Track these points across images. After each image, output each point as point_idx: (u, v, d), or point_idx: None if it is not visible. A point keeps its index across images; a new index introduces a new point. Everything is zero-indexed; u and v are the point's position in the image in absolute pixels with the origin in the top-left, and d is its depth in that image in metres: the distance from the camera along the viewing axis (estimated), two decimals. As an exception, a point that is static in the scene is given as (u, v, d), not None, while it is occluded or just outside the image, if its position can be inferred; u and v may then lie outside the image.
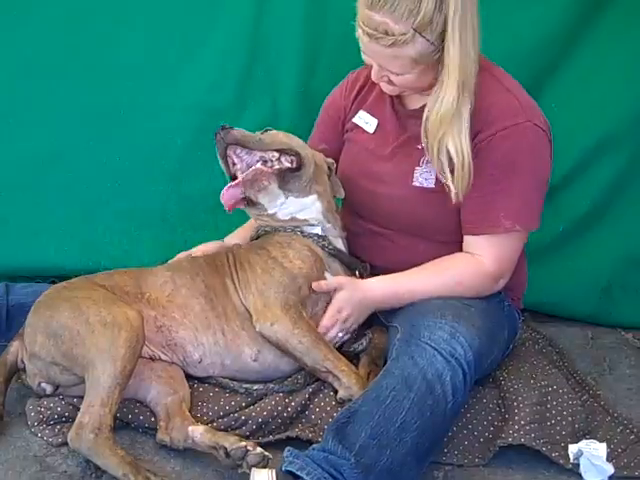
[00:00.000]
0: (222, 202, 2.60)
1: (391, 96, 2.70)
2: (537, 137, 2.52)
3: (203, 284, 2.60)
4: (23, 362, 2.49)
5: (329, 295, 2.60)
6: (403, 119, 2.69)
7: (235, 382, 2.53)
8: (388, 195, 2.66)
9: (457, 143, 2.43)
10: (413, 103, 2.68)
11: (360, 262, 2.73)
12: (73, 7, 3.23)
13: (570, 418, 2.45)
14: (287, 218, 2.69)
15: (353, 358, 2.62)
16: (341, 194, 2.80)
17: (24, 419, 2.44)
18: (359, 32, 2.43)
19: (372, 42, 2.39)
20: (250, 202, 2.65)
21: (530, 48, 3.19)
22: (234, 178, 2.63)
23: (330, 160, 2.80)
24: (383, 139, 2.72)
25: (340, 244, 2.73)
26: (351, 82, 2.88)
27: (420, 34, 2.34)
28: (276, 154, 2.64)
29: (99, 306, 2.39)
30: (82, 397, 2.30)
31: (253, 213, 2.74)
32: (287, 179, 2.62)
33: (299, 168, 2.64)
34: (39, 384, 2.46)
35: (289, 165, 2.64)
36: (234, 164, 2.64)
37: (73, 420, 2.28)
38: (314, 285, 2.57)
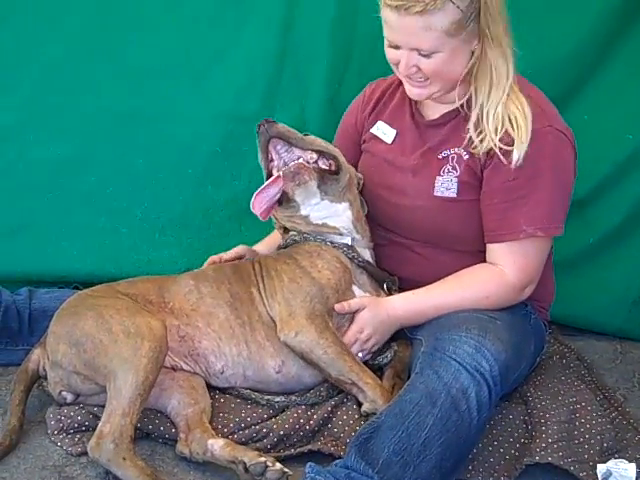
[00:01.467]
0: (254, 205, 2.59)
1: (410, 106, 2.70)
2: (559, 141, 2.49)
3: (228, 293, 2.58)
4: (45, 370, 2.47)
5: None
6: (422, 129, 2.68)
7: (257, 393, 2.50)
8: (410, 207, 2.64)
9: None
10: (432, 113, 2.66)
11: (389, 275, 2.70)
12: (100, 12, 3.23)
13: (599, 437, 2.41)
14: (319, 222, 2.66)
15: (377, 371, 2.59)
16: (364, 210, 2.77)
17: (44, 427, 2.43)
18: (386, 13, 2.42)
19: (402, 15, 2.37)
20: (285, 199, 2.61)
21: (562, 59, 3.17)
22: (269, 176, 2.61)
23: (360, 175, 2.78)
24: (402, 149, 2.70)
25: (368, 255, 2.70)
26: (368, 94, 2.87)
27: (450, 0, 2.34)
28: (315, 155, 2.63)
29: (122, 315, 2.38)
30: (103, 406, 2.29)
31: (284, 215, 2.70)
32: (325, 180, 2.61)
33: (337, 172, 2.64)
34: (60, 392, 2.44)
35: (327, 167, 2.63)
36: (272, 160, 2.63)
37: (93, 429, 2.27)
38: (337, 307, 2.54)
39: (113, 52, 3.26)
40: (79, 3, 3.23)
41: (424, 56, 2.44)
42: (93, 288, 2.65)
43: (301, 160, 2.58)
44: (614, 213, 3.26)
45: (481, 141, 2.49)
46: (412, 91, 2.58)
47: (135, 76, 3.28)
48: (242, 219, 3.35)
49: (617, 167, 3.22)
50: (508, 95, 2.48)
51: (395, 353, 2.61)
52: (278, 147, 2.60)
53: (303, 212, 2.65)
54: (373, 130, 2.79)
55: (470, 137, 2.51)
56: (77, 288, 3.22)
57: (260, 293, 2.58)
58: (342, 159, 2.70)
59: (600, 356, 3.13)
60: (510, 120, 2.47)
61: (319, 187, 2.61)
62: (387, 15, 2.42)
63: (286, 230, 2.76)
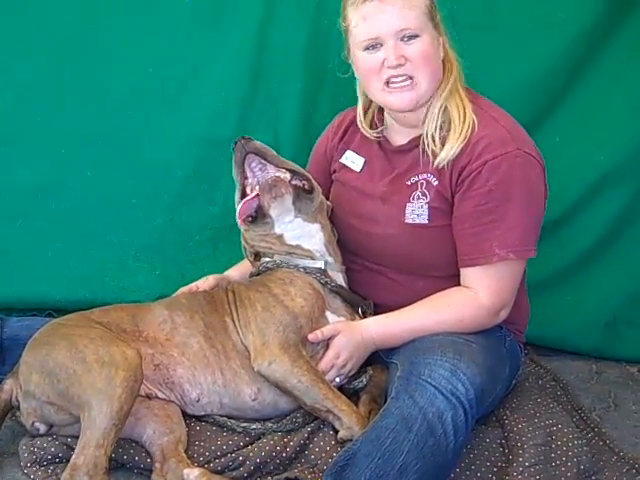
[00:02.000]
0: (238, 217, 2.62)
1: (377, 135, 2.70)
2: (528, 165, 2.49)
3: (202, 322, 2.56)
4: (17, 400, 2.43)
5: None
6: (390, 156, 2.69)
7: (233, 421, 2.48)
8: (381, 235, 2.64)
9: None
10: (400, 138, 2.68)
11: (362, 299, 2.69)
12: (73, 35, 3.23)
13: (575, 459, 2.40)
14: (293, 243, 2.65)
15: (353, 395, 2.58)
16: (335, 235, 2.77)
17: (17, 459, 2.39)
18: (363, 8, 2.50)
19: (382, 2, 2.45)
20: (260, 214, 2.60)
21: (534, 83, 3.20)
22: (243, 194, 2.63)
23: (329, 203, 2.79)
24: (370, 177, 2.71)
25: (341, 279, 2.69)
26: (337, 124, 2.89)
27: None
28: (288, 175, 2.63)
29: (96, 345, 2.35)
30: (76, 437, 2.26)
31: (258, 234, 2.68)
32: (300, 198, 2.61)
33: (311, 191, 2.65)
34: (33, 423, 2.41)
35: (302, 185, 2.64)
36: (246, 178, 2.63)
37: (67, 460, 2.24)
38: (311, 338, 2.52)
39: (86, 76, 3.25)
40: (50, 25, 3.22)
41: (409, 39, 2.48)
42: (66, 317, 2.62)
43: (275, 174, 2.60)
44: (587, 234, 3.29)
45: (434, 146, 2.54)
46: (395, 99, 2.55)
47: (108, 100, 3.27)
48: (216, 244, 3.36)
49: (590, 188, 3.26)
50: (452, 95, 2.54)
51: (371, 377, 2.60)
52: (253, 164, 2.60)
53: (277, 230, 2.64)
54: (342, 160, 2.81)
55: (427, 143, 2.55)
56: (50, 315, 3.21)
57: (234, 322, 2.56)
58: (314, 182, 2.70)
59: (576, 376, 3.14)
60: (450, 121, 2.52)
61: (294, 203, 2.60)
62: (365, 10, 2.48)
63: (257, 257, 2.74)
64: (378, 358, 2.65)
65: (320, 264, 2.64)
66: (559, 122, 3.24)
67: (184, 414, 2.49)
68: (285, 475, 2.31)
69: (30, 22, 3.22)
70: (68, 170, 3.29)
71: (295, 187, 2.61)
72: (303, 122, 3.32)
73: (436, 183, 2.55)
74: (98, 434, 2.20)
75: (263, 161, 2.61)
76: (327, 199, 2.81)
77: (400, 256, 2.62)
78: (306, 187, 2.65)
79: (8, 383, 2.46)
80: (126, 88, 3.27)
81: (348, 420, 2.39)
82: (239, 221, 2.63)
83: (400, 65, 2.49)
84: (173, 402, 2.48)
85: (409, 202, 2.58)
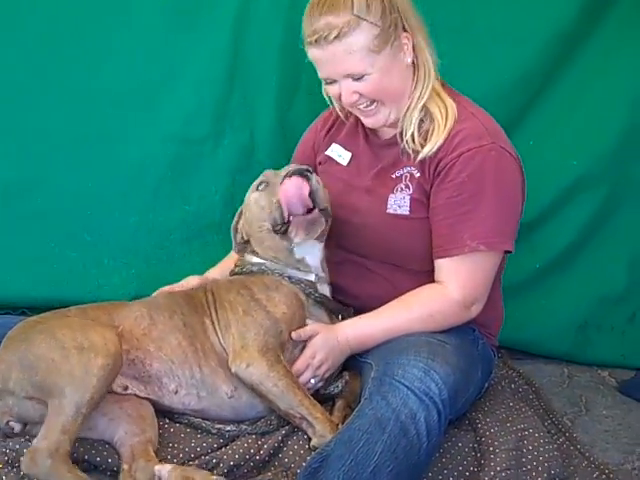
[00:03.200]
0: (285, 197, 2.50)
1: (364, 128, 2.71)
2: (502, 158, 2.51)
3: (181, 322, 2.54)
4: None
5: None
6: (376, 150, 2.70)
7: (208, 422, 2.46)
8: (363, 224, 2.64)
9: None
10: (386, 132, 2.69)
11: (343, 307, 2.69)
12: (48, 34, 3.20)
13: (546, 464, 2.39)
14: (299, 257, 2.62)
15: (327, 401, 2.57)
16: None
17: (-11, 461, 2.34)
18: (311, 52, 2.51)
19: (324, 47, 2.45)
20: (283, 230, 2.54)
21: (507, 86, 3.22)
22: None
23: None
24: (358, 171, 2.73)
25: (326, 290, 2.68)
26: (324, 118, 2.91)
27: (362, 18, 2.42)
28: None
29: (74, 331, 2.31)
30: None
31: (271, 240, 2.62)
32: (323, 223, 2.57)
33: (328, 220, 2.61)
34: (7, 422, 2.36)
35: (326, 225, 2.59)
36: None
37: (40, 462, 2.21)
38: (294, 335, 2.51)
39: (60, 76, 3.23)
40: (24, 25, 3.19)
41: (358, 80, 2.49)
42: (42, 315, 2.58)
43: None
44: (560, 238, 3.32)
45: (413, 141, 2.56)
46: (367, 121, 2.62)
47: (83, 98, 3.25)
48: (192, 243, 3.36)
49: (562, 193, 3.28)
50: (431, 94, 2.56)
51: (346, 383, 2.60)
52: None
53: (292, 246, 2.60)
54: (328, 152, 2.82)
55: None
56: (24, 314, 3.19)
57: (213, 324, 2.55)
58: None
59: (548, 380, 3.17)
60: (432, 118, 2.54)
61: (322, 226, 2.56)
62: (312, 53, 2.50)
63: (243, 246, 2.72)
64: (353, 360, 2.64)
65: (312, 277, 2.63)
66: (533, 126, 3.26)
67: (159, 414, 2.45)
68: (259, 478, 2.30)
69: (3, 23, 3.19)
70: (42, 168, 3.27)
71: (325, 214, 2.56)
72: (279, 121, 3.32)
73: (418, 175, 2.57)
74: (64, 420, 2.17)
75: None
76: None
77: (380, 246, 2.63)
78: (329, 224, 2.61)
79: None
80: (101, 87, 3.24)
81: (321, 428, 2.37)
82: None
83: (356, 100, 2.54)
84: (148, 399, 2.45)
85: (392, 193, 2.60)
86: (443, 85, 2.62)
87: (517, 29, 3.17)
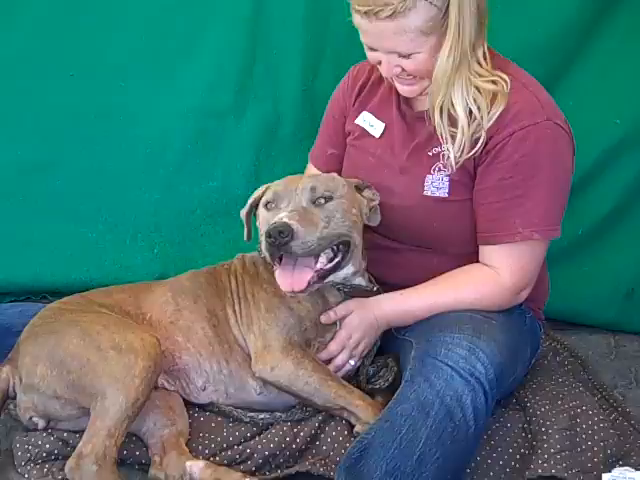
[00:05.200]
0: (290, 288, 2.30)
1: (397, 96, 2.54)
2: (558, 137, 2.35)
3: (205, 308, 2.45)
4: (14, 392, 2.30)
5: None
6: (411, 122, 2.52)
7: (240, 410, 2.38)
8: (398, 206, 2.49)
9: (459, 103, 2.30)
10: (421, 104, 2.51)
11: (374, 291, 2.51)
12: (64, 8, 3.10)
13: (602, 443, 2.30)
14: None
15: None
16: (376, 222, 2.53)
17: (11, 457, 2.26)
18: (357, 19, 2.29)
19: (373, 21, 2.24)
20: None
21: (545, 43, 3.07)
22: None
23: (373, 199, 2.51)
24: (390, 145, 2.55)
25: (359, 280, 2.50)
26: (352, 79, 2.71)
27: None
28: (325, 260, 2.34)
29: (111, 331, 2.23)
30: (74, 432, 2.19)
31: None
32: (329, 274, 2.37)
33: (343, 259, 2.39)
34: (30, 418, 2.28)
35: (336, 264, 2.37)
36: None
37: (63, 458, 2.14)
38: (323, 318, 2.40)
39: (78, 49, 3.13)
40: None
41: (404, 57, 2.30)
42: (65, 299, 2.51)
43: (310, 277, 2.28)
44: (603, 202, 3.19)
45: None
46: (403, 89, 2.44)
47: (101, 74, 3.16)
48: (217, 220, 3.28)
49: (605, 154, 3.15)
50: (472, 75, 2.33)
51: (396, 374, 2.45)
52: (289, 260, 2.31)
53: None
54: (358, 121, 2.63)
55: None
56: (45, 298, 3.15)
57: (236, 316, 2.45)
58: (354, 231, 2.39)
59: (594, 352, 3.06)
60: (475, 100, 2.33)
61: (320, 282, 2.37)
62: (358, 21, 2.30)
63: None
64: (390, 336, 2.51)
65: (340, 278, 2.44)
66: (572, 86, 3.11)
67: (187, 403, 2.38)
68: (296, 469, 2.22)
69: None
70: (60, 147, 3.19)
71: (328, 271, 2.34)
72: (304, 90, 3.20)
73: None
74: (110, 424, 2.09)
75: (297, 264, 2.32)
76: (341, 166, 2.66)
77: (416, 230, 2.49)
78: (341, 260, 2.38)
79: (4, 371, 2.31)
80: (118, 60, 3.15)
81: (364, 415, 2.27)
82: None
83: (397, 73, 2.36)
84: (177, 392, 2.38)
85: (429, 174, 2.43)
86: (493, 55, 2.40)
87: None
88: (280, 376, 2.31)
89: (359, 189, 2.49)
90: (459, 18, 2.23)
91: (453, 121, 2.34)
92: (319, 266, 2.30)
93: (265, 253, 2.27)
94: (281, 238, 2.18)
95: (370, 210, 2.49)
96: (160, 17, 3.13)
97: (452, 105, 2.32)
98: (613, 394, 2.64)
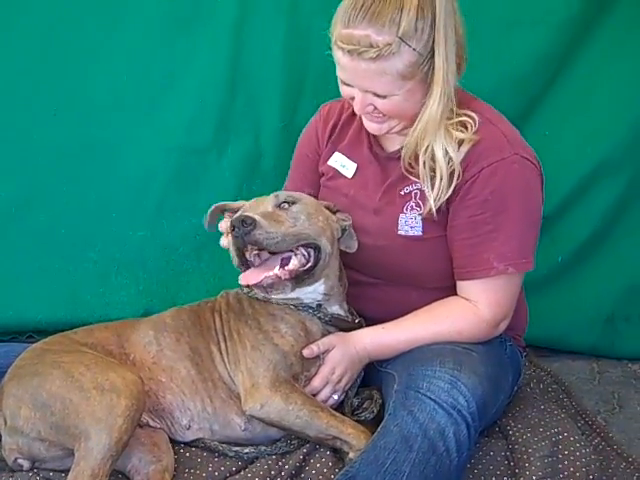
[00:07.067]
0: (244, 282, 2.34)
1: (368, 138, 2.57)
2: (526, 170, 2.37)
3: (188, 346, 2.46)
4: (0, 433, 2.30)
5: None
6: (384, 162, 2.54)
7: (224, 445, 2.37)
8: (373, 246, 2.50)
9: (439, 147, 2.32)
10: (391, 144, 2.53)
11: (356, 322, 2.53)
12: (45, 42, 3.13)
13: (584, 469, 2.30)
14: (293, 296, 2.44)
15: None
16: (352, 247, 2.54)
17: (-5, 496, 2.26)
18: (339, 55, 2.30)
19: (355, 60, 2.25)
20: None
21: (520, 75, 3.12)
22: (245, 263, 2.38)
23: (345, 220, 2.53)
24: (363, 185, 2.56)
25: (337, 310, 2.52)
26: (323, 120, 2.71)
27: (406, 43, 2.21)
28: (294, 259, 2.36)
29: (93, 372, 2.21)
30: (59, 471, 2.16)
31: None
32: (300, 280, 2.39)
33: (315, 264, 2.41)
34: (15, 460, 2.27)
35: (304, 266, 2.38)
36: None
37: (49, 499, 2.12)
38: (305, 352, 2.40)
39: (59, 87, 3.16)
40: (20, 34, 3.12)
41: (379, 97, 2.32)
42: (47, 340, 2.50)
43: (275, 271, 2.32)
44: (581, 229, 3.23)
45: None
46: (370, 126, 2.46)
47: (83, 110, 3.18)
48: (200, 255, 3.28)
49: (581, 182, 3.19)
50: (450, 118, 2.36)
51: (381, 406, 2.44)
52: (252, 259, 2.35)
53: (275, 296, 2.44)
54: (331, 162, 2.65)
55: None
56: (32, 337, 3.14)
57: (221, 354, 2.44)
58: (324, 238, 2.41)
59: (577, 377, 3.08)
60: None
61: (293, 288, 2.39)
62: (339, 57, 2.30)
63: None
64: (372, 370, 2.52)
65: (315, 304, 2.47)
66: (547, 116, 3.16)
67: (172, 440, 2.38)
68: (281, 502, 2.22)
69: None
70: (43, 184, 3.20)
71: (296, 274, 2.36)
72: (284, 125, 3.22)
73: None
74: (94, 464, 2.08)
75: (263, 254, 2.35)
76: None
77: (392, 268, 2.50)
78: (310, 263, 2.39)
79: None
80: (100, 98, 3.17)
81: (357, 442, 2.25)
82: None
83: (370, 111, 2.38)
84: (162, 429, 2.38)
85: (402, 213, 2.45)
86: (460, 92, 2.42)
87: (528, 15, 3.07)
88: (270, 412, 2.29)
89: (330, 210, 2.51)
90: (445, 65, 2.26)
91: (431, 164, 2.35)
92: (291, 267, 2.32)
93: (232, 252, 2.32)
94: (244, 227, 2.22)
95: (343, 231, 2.50)
96: (141, 55, 3.16)
97: (433, 149, 2.34)
98: (596, 420, 2.66)
